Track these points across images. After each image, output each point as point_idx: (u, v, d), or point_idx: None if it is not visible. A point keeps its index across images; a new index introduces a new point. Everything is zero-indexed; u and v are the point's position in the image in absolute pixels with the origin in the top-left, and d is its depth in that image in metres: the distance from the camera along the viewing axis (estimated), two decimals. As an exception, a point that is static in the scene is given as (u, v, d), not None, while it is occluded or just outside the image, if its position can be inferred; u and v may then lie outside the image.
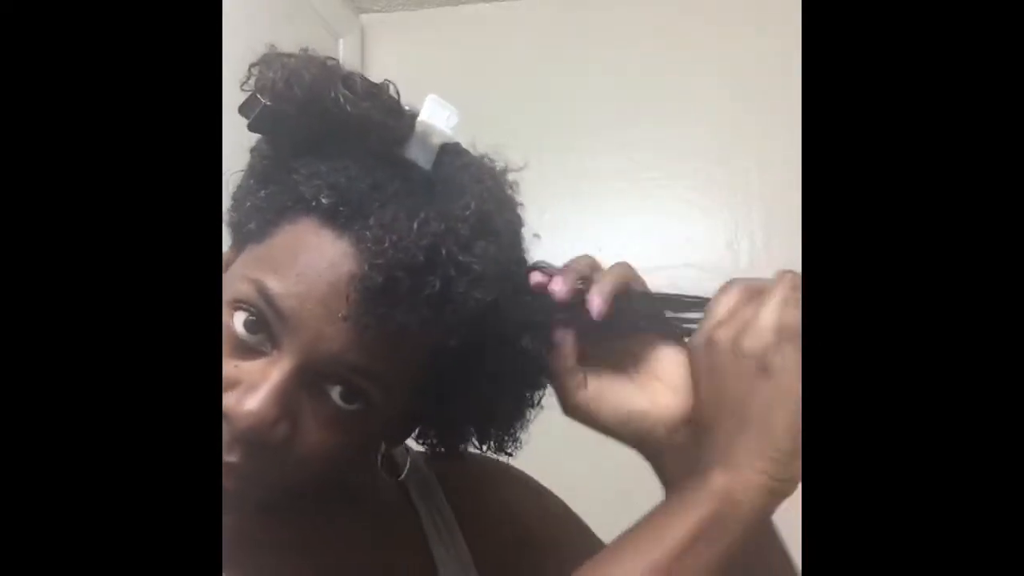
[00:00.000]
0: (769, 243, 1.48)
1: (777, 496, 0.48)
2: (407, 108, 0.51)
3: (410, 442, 0.60)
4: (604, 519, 0.65)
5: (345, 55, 1.56)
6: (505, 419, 0.57)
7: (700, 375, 0.51)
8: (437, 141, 0.50)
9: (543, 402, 0.57)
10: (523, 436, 0.58)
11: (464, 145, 0.53)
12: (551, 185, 1.52)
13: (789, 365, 0.47)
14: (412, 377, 0.50)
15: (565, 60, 1.60)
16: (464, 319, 0.47)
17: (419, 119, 0.50)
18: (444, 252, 0.46)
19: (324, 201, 0.47)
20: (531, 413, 0.57)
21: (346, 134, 0.49)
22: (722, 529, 0.47)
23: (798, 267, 0.48)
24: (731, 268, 1.48)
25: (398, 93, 0.51)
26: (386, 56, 1.64)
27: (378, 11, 1.69)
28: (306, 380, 0.47)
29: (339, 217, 0.47)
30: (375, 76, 0.52)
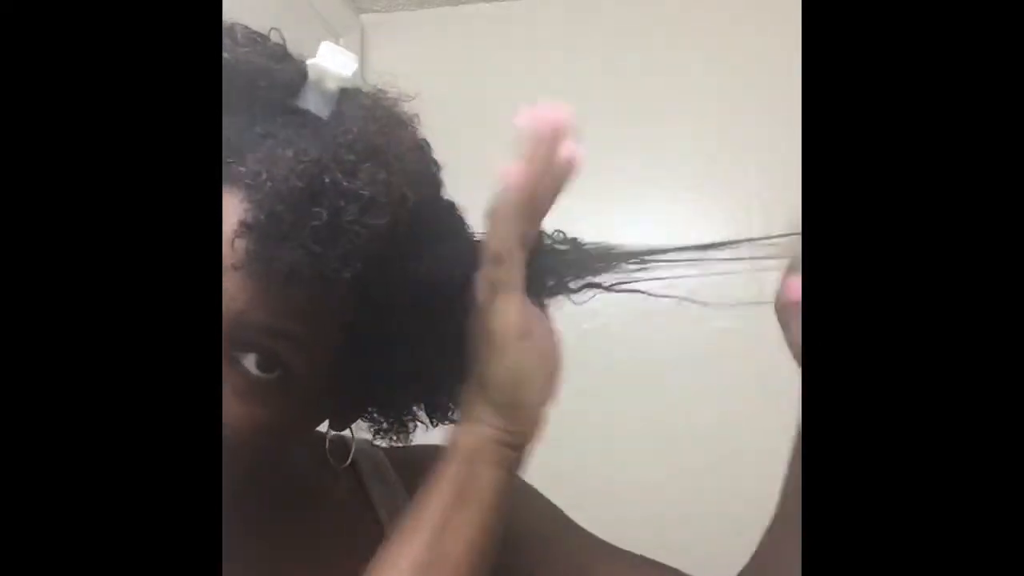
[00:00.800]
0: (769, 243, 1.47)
1: (510, 447, 0.48)
2: (299, 57, 0.49)
3: (356, 427, 0.58)
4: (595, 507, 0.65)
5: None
6: (450, 383, 0.54)
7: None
8: (333, 85, 0.48)
9: None
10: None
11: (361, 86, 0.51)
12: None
13: (500, 313, 0.46)
14: (333, 338, 0.48)
15: (565, 60, 1.60)
16: (359, 250, 0.43)
17: (310, 62, 0.48)
18: (327, 180, 0.43)
19: None
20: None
21: (232, 86, 0.46)
22: (471, 490, 0.47)
23: (799, 267, 0.48)
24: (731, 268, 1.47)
25: (283, 39, 0.50)
26: (386, 56, 1.64)
27: (378, 11, 1.69)
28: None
29: (228, 169, 0.45)
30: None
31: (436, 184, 0.53)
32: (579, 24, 1.63)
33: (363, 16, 1.68)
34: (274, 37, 0.50)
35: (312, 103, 0.48)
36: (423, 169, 0.51)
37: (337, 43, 0.50)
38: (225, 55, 0.46)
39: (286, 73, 0.48)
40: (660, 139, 1.56)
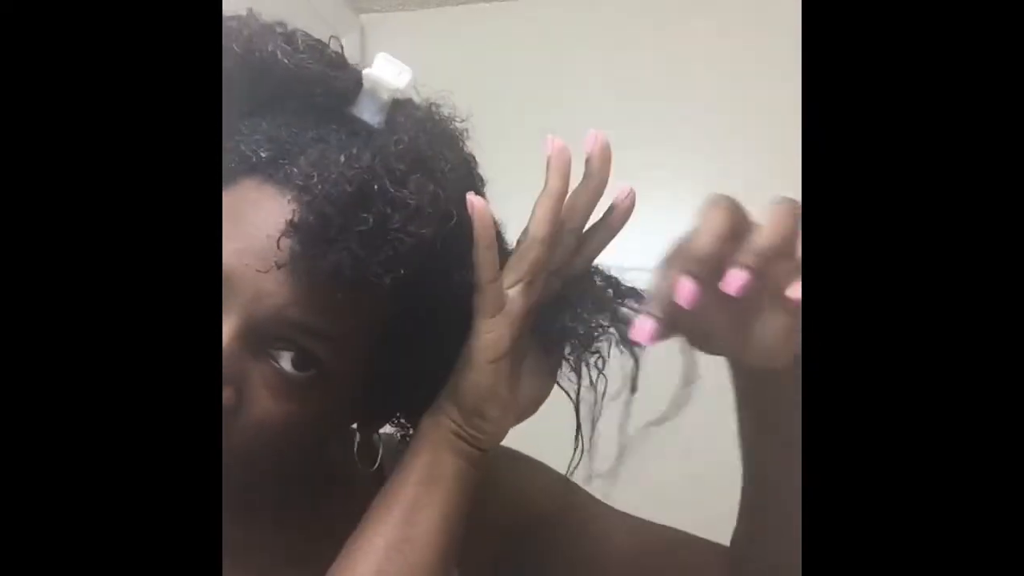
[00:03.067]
0: (769, 243, 1.48)
1: (468, 444, 0.49)
2: (356, 65, 0.50)
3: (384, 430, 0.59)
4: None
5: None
6: None
7: None
8: (386, 96, 0.49)
9: None
10: None
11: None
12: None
13: (476, 333, 0.47)
14: (368, 341, 0.49)
15: (565, 60, 1.60)
16: (402, 257, 0.45)
17: (365, 72, 0.49)
18: (376, 187, 0.44)
19: (263, 155, 0.47)
20: None
21: (289, 91, 0.49)
22: (436, 474, 0.49)
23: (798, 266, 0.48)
24: (731, 268, 1.47)
25: (342, 48, 0.51)
26: (386, 56, 1.64)
27: (378, 11, 1.69)
28: (252, 343, 0.46)
29: (279, 170, 0.46)
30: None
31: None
32: (579, 24, 1.63)
33: (363, 16, 1.68)
34: (333, 45, 0.51)
35: (366, 112, 0.49)
36: (469, 184, 0.52)
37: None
38: (284, 60, 0.48)
39: (342, 81, 0.49)
40: (660, 139, 1.56)
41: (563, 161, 0.48)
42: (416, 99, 0.52)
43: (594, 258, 0.52)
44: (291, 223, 0.44)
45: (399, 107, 0.50)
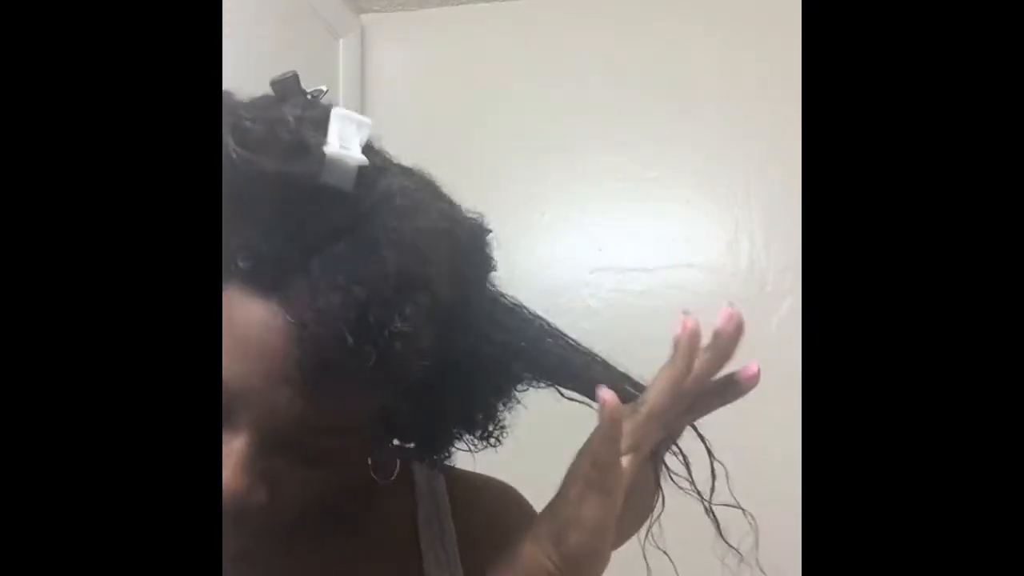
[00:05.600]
0: (769, 243, 1.48)
1: None
2: (312, 139, 0.47)
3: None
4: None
5: (345, 55, 1.56)
6: (483, 418, 0.57)
7: None
8: (352, 164, 0.47)
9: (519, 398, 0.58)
10: (507, 427, 0.58)
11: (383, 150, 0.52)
12: (551, 185, 1.52)
13: (575, 488, 0.48)
14: (377, 414, 0.50)
15: (565, 60, 1.60)
16: (408, 372, 0.46)
17: (325, 149, 0.46)
18: (372, 319, 0.44)
19: (242, 265, 0.46)
20: (507, 406, 0.57)
21: (255, 188, 0.46)
22: None
23: (798, 267, 0.48)
24: (731, 268, 1.48)
25: (298, 121, 0.47)
26: (386, 56, 1.64)
27: (378, 11, 1.68)
28: (274, 446, 0.47)
29: (262, 279, 0.46)
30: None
31: (483, 278, 0.54)
32: (579, 24, 1.62)
33: (363, 16, 1.68)
34: (290, 125, 0.47)
35: (333, 180, 0.47)
36: (472, 273, 0.52)
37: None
38: (241, 166, 0.45)
39: (302, 168, 0.46)
40: (660, 139, 1.56)
41: (693, 344, 0.49)
42: (390, 155, 0.51)
43: (700, 418, 0.53)
44: (299, 364, 0.44)
45: (373, 180, 0.48)
